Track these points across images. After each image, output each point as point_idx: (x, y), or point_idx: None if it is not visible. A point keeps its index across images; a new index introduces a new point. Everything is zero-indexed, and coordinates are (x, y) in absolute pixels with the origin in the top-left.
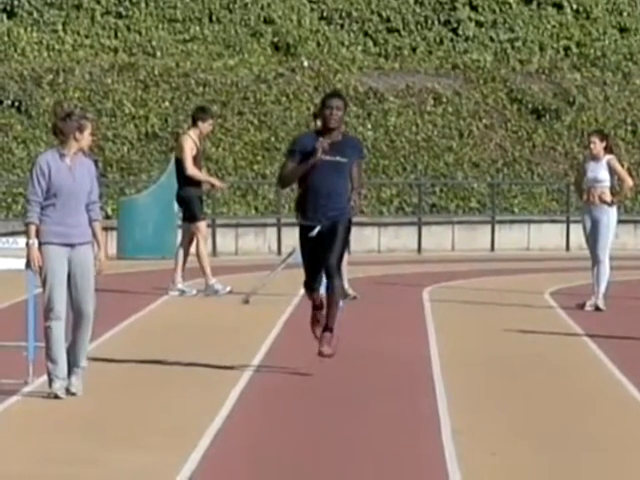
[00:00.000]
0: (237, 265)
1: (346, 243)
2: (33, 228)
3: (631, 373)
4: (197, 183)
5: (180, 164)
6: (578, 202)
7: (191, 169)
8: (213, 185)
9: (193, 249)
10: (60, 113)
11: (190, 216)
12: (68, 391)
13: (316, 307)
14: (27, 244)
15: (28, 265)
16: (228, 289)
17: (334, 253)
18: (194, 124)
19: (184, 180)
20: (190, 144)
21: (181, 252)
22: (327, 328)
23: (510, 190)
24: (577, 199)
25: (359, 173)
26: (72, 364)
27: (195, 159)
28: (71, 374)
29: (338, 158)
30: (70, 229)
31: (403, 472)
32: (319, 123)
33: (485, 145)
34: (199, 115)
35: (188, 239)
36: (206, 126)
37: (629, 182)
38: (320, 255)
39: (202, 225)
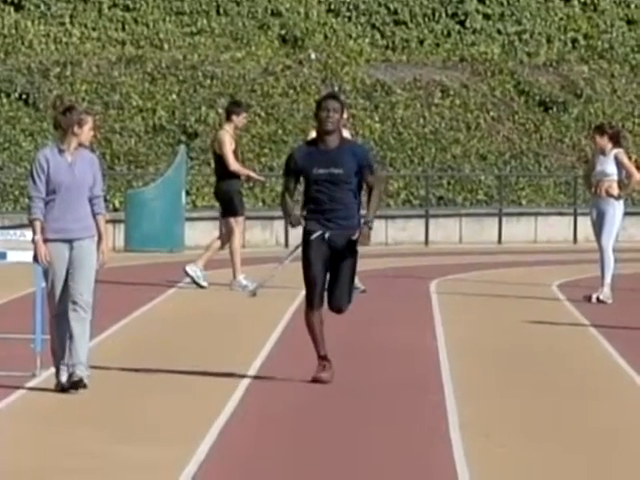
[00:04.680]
0: (244, 258)
1: (355, 265)
2: (38, 224)
3: (638, 365)
4: (237, 176)
5: (220, 159)
6: (585, 194)
7: (234, 164)
8: (250, 178)
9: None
10: (59, 107)
11: (231, 210)
12: (72, 382)
13: (321, 357)
14: (33, 240)
15: (36, 260)
16: (256, 284)
17: (344, 290)
18: (228, 118)
19: (224, 174)
20: (229, 139)
21: (217, 243)
22: (326, 357)
23: (517, 182)
24: (584, 191)
25: (378, 195)
26: (75, 360)
27: (234, 153)
28: (75, 370)
29: (332, 170)
30: (70, 224)
31: (411, 466)
32: (313, 134)
33: (492, 137)
34: (233, 109)
35: (228, 233)
36: (240, 119)
37: (636, 176)
38: (331, 272)
39: (241, 219)
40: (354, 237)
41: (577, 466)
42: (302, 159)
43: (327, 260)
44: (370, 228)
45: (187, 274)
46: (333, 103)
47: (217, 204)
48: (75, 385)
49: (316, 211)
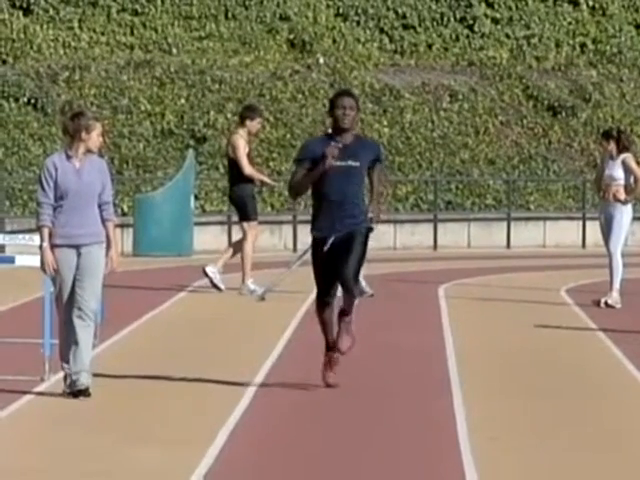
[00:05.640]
0: (253, 262)
1: (364, 254)
2: (46, 231)
3: None
4: (251, 181)
5: (234, 164)
6: (594, 199)
7: (248, 168)
8: (264, 183)
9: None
10: (68, 112)
11: (244, 215)
12: (76, 390)
13: (329, 347)
14: (40, 247)
15: (42, 267)
16: (264, 289)
17: (351, 265)
18: (242, 123)
19: (238, 178)
20: (243, 143)
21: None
22: (336, 349)
23: (526, 187)
24: (593, 196)
25: (379, 180)
26: (80, 367)
27: (248, 157)
28: (79, 377)
29: (350, 162)
30: (77, 230)
31: (419, 469)
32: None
33: (501, 142)
34: (247, 114)
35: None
36: (254, 124)
37: None
38: (335, 267)
39: (254, 224)
40: (370, 214)
41: (585, 468)
42: (319, 149)
43: (335, 260)
44: (380, 202)
45: (206, 275)
46: (349, 100)
47: (225, 209)
48: (79, 394)
49: (325, 210)
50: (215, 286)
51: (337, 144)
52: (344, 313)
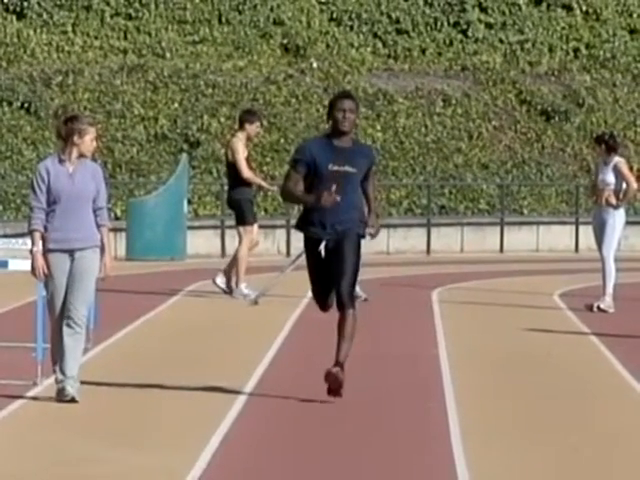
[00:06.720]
0: (246, 266)
1: (358, 263)
2: (37, 235)
3: (639, 373)
4: (249, 185)
5: (232, 167)
6: (587, 203)
7: (247, 172)
8: (261, 188)
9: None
10: (60, 116)
11: (241, 219)
12: (63, 400)
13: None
14: (31, 252)
15: (33, 272)
16: (257, 293)
17: (346, 278)
18: (241, 127)
19: (237, 182)
20: (242, 147)
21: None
22: (337, 363)
23: (519, 191)
24: (586, 200)
25: (374, 187)
26: (68, 374)
27: (247, 161)
28: (65, 385)
29: (347, 168)
30: (70, 234)
31: (412, 473)
32: None
33: (494, 146)
34: (246, 117)
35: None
36: (253, 128)
37: (633, 185)
38: (330, 274)
39: (250, 229)
40: (370, 231)
41: (576, 471)
42: (317, 152)
43: (329, 264)
44: (378, 216)
45: (217, 285)
46: (349, 103)
47: (219, 213)
48: (65, 402)
49: (319, 214)
50: (223, 290)
51: (336, 196)
52: (337, 363)
